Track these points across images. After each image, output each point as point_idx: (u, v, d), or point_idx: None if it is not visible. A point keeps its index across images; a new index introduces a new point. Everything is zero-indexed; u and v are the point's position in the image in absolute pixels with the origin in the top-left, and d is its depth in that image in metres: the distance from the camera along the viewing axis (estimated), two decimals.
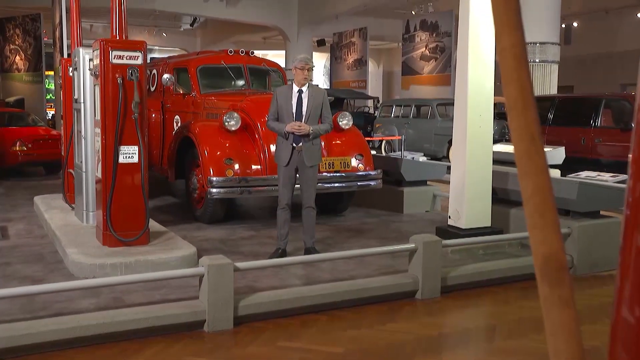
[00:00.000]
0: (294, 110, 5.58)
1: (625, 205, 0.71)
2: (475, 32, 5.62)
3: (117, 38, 5.54)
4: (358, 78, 23.43)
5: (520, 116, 0.80)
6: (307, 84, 5.65)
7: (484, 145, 5.93)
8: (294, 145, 5.56)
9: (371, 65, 29.05)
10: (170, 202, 8.85)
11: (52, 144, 11.40)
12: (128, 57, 5.41)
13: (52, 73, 19.93)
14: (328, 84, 25.83)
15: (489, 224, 6.05)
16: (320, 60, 31.94)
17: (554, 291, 0.75)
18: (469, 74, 5.67)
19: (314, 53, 25.62)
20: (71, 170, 7.28)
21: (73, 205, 7.09)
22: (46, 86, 20.93)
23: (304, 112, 5.58)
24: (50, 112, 22.24)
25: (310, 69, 5.61)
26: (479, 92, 5.75)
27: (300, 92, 5.61)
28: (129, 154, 5.49)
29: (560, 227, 0.75)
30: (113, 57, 5.37)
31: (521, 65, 0.80)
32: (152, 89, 9.30)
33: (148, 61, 8.19)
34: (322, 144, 6.91)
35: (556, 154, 10.15)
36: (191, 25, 27.46)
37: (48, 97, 22.20)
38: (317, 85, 6.35)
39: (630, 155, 0.71)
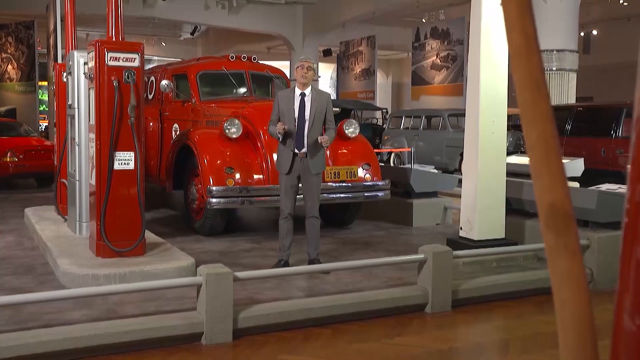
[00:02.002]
0: (296, 115, 5.60)
1: (624, 213, 0.73)
2: (488, 32, 5.65)
3: (114, 39, 5.59)
4: (366, 88, 23.52)
5: (524, 63, 0.81)
6: (310, 87, 5.68)
7: (497, 152, 5.93)
8: (296, 152, 5.58)
9: (380, 77, 29.15)
10: (167, 215, 8.87)
11: (44, 155, 11.47)
12: (124, 59, 5.45)
13: (45, 83, 20.12)
14: (335, 95, 25.92)
15: (502, 235, 6.03)
16: (327, 72, 32.07)
17: (559, 240, 0.76)
18: (481, 76, 5.68)
19: (319, 64, 25.73)
20: (64, 180, 7.32)
21: (66, 216, 7.12)
22: (39, 97, 21.10)
23: (306, 117, 5.59)
24: (44, 124, 22.38)
25: (310, 68, 5.61)
26: (492, 96, 5.76)
27: (302, 95, 5.63)
28: (125, 160, 5.52)
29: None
30: (109, 58, 5.41)
31: (525, 12, 0.82)
32: (150, 96, 9.36)
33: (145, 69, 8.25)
34: (328, 152, 6.95)
35: (575, 166, 10.16)
36: (192, 34, 27.65)
37: (41, 108, 22.36)
38: (321, 90, 6.37)
39: (629, 166, 0.73)
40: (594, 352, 0.73)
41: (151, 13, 21.72)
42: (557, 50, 13.31)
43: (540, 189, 0.77)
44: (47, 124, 21.42)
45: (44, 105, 23.62)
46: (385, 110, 20.88)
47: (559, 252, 0.75)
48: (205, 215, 7.11)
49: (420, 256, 5.01)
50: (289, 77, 9.74)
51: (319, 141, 5.55)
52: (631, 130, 0.74)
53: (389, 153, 16.30)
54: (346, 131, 7.53)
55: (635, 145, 0.72)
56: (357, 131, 7.64)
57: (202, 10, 22.42)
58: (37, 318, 4.33)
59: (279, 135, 5.53)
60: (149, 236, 6.07)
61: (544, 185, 0.77)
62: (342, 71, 25.33)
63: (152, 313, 4.43)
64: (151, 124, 9.06)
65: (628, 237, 0.72)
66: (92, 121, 5.68)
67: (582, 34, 19.40)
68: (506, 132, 6.10)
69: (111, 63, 5.43)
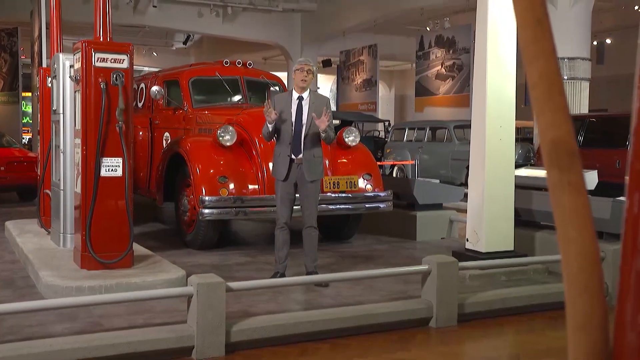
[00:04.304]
0: (294, 119, 5.62)
1: (623, 222, 0.75)
2: (495, 31, 5.68)
3: (101, 39, 5.62)
4: (367, 100, 23.59)
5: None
6: (309, 91, 5.70)
7: (505, 160, 5.94)
8: (293, 157, 5.59)
9: (382, 89, 29.26)
10: (157, 228, 8.87)
11: (27, 167, 11.48)
12: (112, 60, 5.48)
13: (29, 94, 20.16)
14: (335, 106, 26.02)
15: (511, 247, 6.03)
16: (327, 83, 32.19)
17: (563, 177, 0.76)
18: (488, 78, 5.71)
19: (318, 75, 25.83)
20: (48, 191, 7.31)
21: (49, 229, 7.11)
22: (22, 109, 21.15)
23: (304, 121, 5.61)
24: (27, 137, 22.42)
25: (310, 71, 5.64)
26: (499, 100, 5.79)
27: (300, 99, 5.66)
28: (112, 166, 5.53)
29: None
30: (96, 59, 5.44)
31: None
32: (140, 104, 9.39)
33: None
34: (327, 162, 6.96)
35: (588, 179, 10.15)
36: (184, 43, 27.76)
37: (24, 120, 22.41)
38: (320, 93, 6.39)
39: (627, 177, 0.75)
40: (600, 290, 0.74)
41: (142, 21, 21.80)
42: (569, 58, 13.35)
43: (543, 126, 0.78)
44: (30, 136, 21.44)
45: (27, 118, 23.67)
46: (387, 122, 20.94)
47: (562, 189, 0.76)
48: (197, 228, 7.11)
49: (425, 267, 5.00)
50: (286, 86, 9.77)
51: (316, 121, 5.47)
52: (629, 141, 0.76)
53: (392, 166, 16.32)
54: (346, 139, 7.55)
55: (633, 156, 0.74)
56: (358, 139, 7.66)
57: (195, 18, 22.52)
58: (17, 331, 4.31)
59: (269, 126, 5.53)
60: (137, 248, 6.07)
61: (547, 121, 0.78)
62: (342, 82, 25.43)
63: (140, 326, 4.42)
64: (141, 133, 9.08)
65: (627, 247, 0.74)
66: (78, 126, 5.69)
67: (595, 43, 19.47)
68: (514, 139, 6.11)
69: (98, 64, 5.45)
